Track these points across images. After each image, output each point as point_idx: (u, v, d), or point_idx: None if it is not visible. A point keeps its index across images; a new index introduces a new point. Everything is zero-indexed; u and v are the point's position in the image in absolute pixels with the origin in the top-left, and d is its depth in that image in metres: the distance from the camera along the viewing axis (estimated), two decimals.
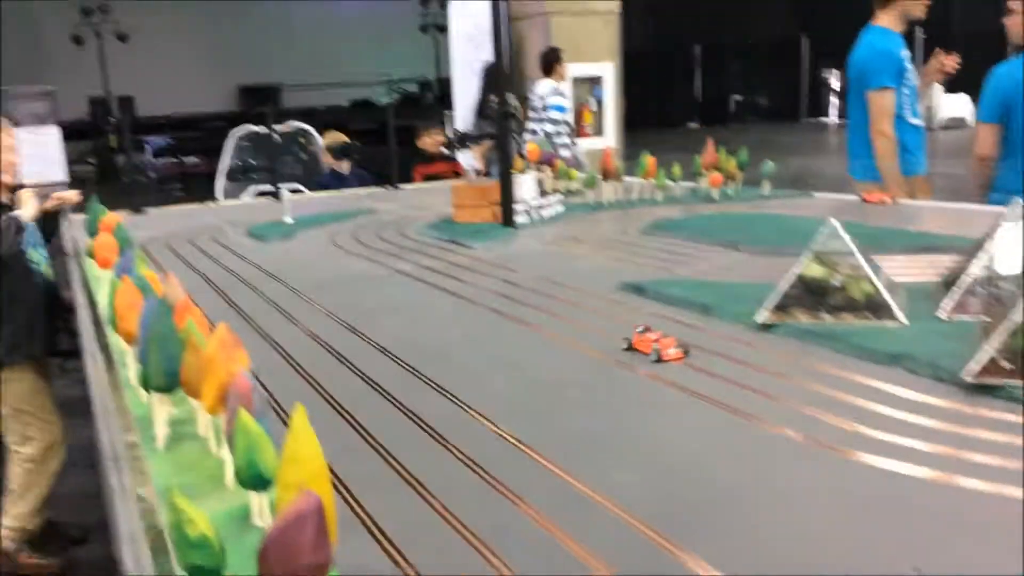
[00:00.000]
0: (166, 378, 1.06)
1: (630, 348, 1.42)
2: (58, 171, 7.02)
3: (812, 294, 1.48)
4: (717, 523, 0.88)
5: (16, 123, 4.06)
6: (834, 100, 24.03)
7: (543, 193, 3.05)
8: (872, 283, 1.45)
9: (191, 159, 14.73)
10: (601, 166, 3.29)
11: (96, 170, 14.94)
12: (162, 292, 1.20)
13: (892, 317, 1.43)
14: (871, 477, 0.96)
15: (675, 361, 1.36)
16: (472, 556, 0.83)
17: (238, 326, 1.75)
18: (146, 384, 1.11)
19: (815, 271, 1.48)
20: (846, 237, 1.47)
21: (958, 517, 0.87)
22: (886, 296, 1.44)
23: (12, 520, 2.97)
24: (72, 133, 10.05)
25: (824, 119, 24.18)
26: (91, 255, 2.10)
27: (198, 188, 11.00)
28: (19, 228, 2.91)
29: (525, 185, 2.93)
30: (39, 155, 6.58)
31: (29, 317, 2.94)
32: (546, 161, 3.55)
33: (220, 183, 6.67)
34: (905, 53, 3.60)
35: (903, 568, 0.77)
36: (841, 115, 21.46)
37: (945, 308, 1.48)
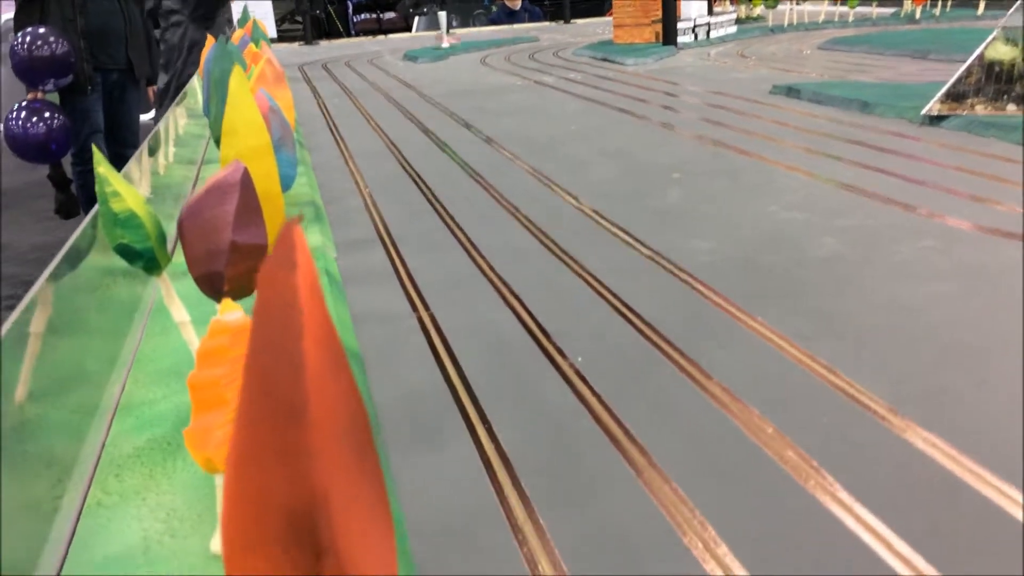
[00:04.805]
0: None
1: None
2: (268, 28, 7.30)
3: (996, 80, 1.21)
4: (808, 294, 0.72)
5: None
6: None
7: (712, 12, 2.76)
8: None
9: (388, 15, 14.93)
10: None
11: (301, 28, 15.47)
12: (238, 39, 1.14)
13: None
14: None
15: None
16: (501, 309, 0.73)
17: (357, 123, 1.69)
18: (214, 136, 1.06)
19: (1002, 52, 1.20)
20: None
21: None
22: None
23: None
24: None
25: None
26: None
27: None
28: None
29: (692, 2, 2.66)
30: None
31: None
32: None
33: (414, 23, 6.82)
34: None
35: None
36: None
37: None
